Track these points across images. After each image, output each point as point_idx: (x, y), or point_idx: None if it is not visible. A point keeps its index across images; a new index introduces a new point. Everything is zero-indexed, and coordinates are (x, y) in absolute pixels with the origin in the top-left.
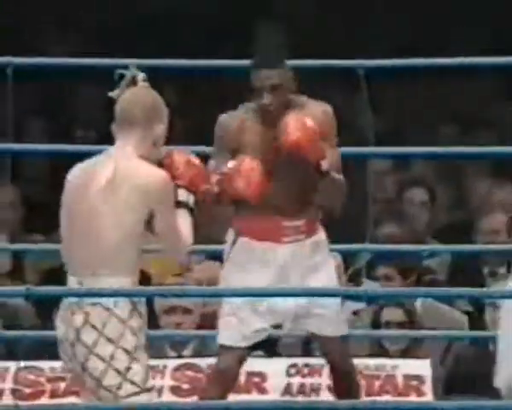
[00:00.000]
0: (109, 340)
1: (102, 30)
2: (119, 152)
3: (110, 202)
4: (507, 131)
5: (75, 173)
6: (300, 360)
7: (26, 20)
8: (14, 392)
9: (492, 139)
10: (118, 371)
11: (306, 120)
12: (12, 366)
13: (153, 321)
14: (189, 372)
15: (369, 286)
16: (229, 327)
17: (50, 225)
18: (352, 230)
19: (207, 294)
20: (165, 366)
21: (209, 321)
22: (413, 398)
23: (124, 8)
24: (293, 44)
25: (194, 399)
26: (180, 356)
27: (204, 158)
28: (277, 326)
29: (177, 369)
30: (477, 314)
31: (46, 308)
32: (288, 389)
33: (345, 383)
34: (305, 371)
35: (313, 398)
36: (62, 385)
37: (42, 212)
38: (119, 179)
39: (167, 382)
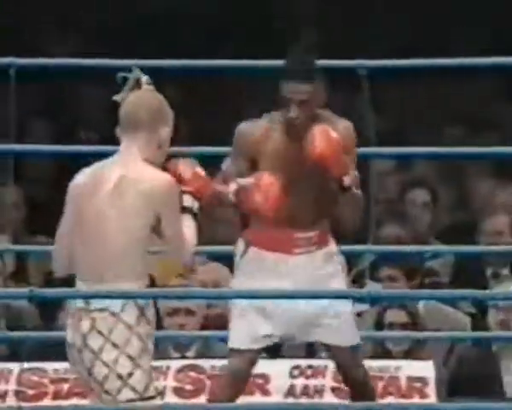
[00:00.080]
0: (115, 345)
1: (102, 30)
2: (125, 156)
3: (117, 206)
4: (510, 131)
5: (82, 178)
6: (304, 362)
7: (25, 20)
8: (17, 393)
9: (495, 140)
10: (119, 376)
11: (333, 133)
12: (15, 367)
13: (156, 322)
14: (192, 374)
15: (372, 288)
16: (239, 330)
17: (53, 226)
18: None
19: (213, 296)
20: (168, 367)
21: (213, 323)
22: (416, 400)
23: (124, 8)
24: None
25: (197, 400)
26: (183, 357)
27: (204, 159)
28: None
29: (180, 370)
30: (480, 316)
31: (49, 310)
32: (291, 391)
33: (359, 393)
34: (309, 372)
35: (316, 400)
36: (65, 387)
37: (45, 213)
38: (125, 184)
39: (170, 383)
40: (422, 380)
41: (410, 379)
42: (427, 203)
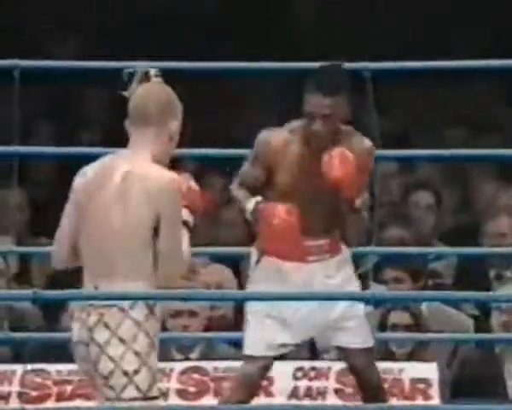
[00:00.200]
0: (121, 341)
1: (102, 30)
2: (134, 152)
3: (121, 202)
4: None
5: (90, 171)
6: (307, 364)
7: (26, 21)
8: (20, 395)
9: (497, 142)
10: (125, 373)
11: (350, 156)
12: (18, 368)
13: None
14: (196, 375)
15: (376, 289)
16: (255, 337)
17: (57, 228)
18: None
19: (216, 297)
20: (171, 369)
21: (216, 324)
22: (420, 401)
23: (124, 8)
24: (293, 44)
25: (200, 402)
26: (187, 359)
27: (204, 159)
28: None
29: (183, 372)
30: (483, 318)
31: (53, 311)
32: (294, 393)
33: (372, 396)
34: (312, 374)
35: (320, 401)
36: (69, 388)
37: (49, 214)
38: (130, 180)
39: (173, 385)
40: (426, 382)
41: (414, 381)
42: (430, 205)
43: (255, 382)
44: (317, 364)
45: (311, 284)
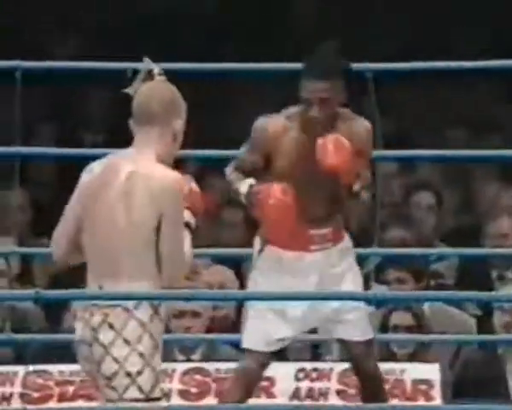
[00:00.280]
0: (126, 342)
1: (102, 30)
2: (138, 152)
3: (125, 201)
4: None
5: (95, 168)
6: (309, 365)
7: (26, 21)
8: (22, 396)
9: (498, 142)
10: (128, 374)
11: (344, 142)
12: (20, 369)
13: None
14: (198, 376)
15: (377, 290)
16: (254, 331)
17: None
18: (360, 234)
19: (219, 297)
20: (173, 370)
21: (218, 325)
22: (421, 402)
23: (124, 8)
24: (293, 44)
25: (202, 403)
26: (189, 360)
27: (205, 161)
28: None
29: (185, 373)
30: (485, 318)
31: (55, 312)
32: (296, 394)
33: (371, 388)
34: (314, 375)
35: (321, 402)
36: (71, 389)
37: (50, 215)
38: (134, 179)
39: (176, 386)
40: (428, 383)
41: (416, 382)
42: (431, 206)
43: (253, 379)
44: (318, 365)
45: (312, 273)
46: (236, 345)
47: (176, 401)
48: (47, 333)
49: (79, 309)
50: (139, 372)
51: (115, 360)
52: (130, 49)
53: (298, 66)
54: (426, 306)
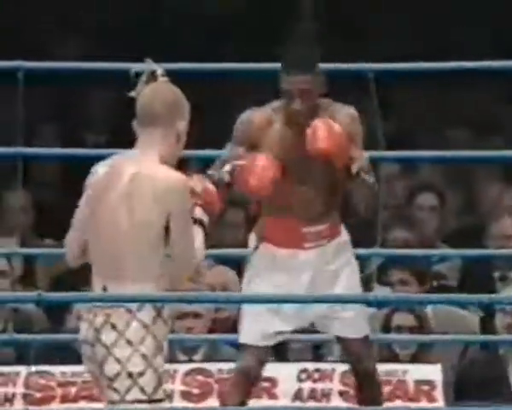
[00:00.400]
0: (129, 342)
1: (102, 30)
2: (142, 153)
3: (129, 203)
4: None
5: (100, 170)
6: (311, 365)
7: (26, 21)
8: (25, 397)
9: (500, 143)
10: (130, 375)
11: (334, 125)
12: (23, 370)
13: None
14: (200, 377)
15: (379, 291)
16: (250, 326)
17: (61, 230)
18: (362, 235)
19: (221, 299)
20: (175, 371)
21: (220, 326)
22: (424, 403)
23: (124, 8)
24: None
25: (204, 404)
26: (191, 361)
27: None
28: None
29: (187, 374)
30: (487, 319)
31: (57, 313)
32: (298, 395)
33: (367, 386)
34: (316, 376)
35: (324, 403)
36: (73, 390)
37: (53, 216)
38: (138, 181)
39: (178, 386)
40: (430, 384)
41: (418, 383)
42: (434, 207)
43: (251, 375)
44: (321, 366)
45: (307, 270)
46: (238, 346)
47: (178, 401)
48: (49, 334)
49: (84, 310)
50: (141, 373)
51: (117, 360)
52: (130, 50)
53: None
54: (429, 307)
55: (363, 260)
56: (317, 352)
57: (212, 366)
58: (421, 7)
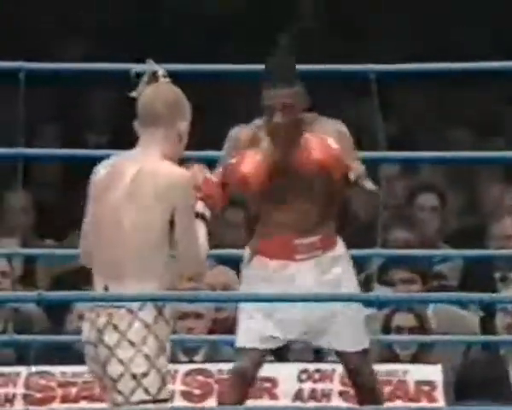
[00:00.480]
0: (131, 343)
1: (102, 30)
2: (144, 152)
3: (133, 201)
4: None
5: (102, 171)
6: (311, 366)
7: (26, 21)
8: (25, 397)
9: (503, 144)
10: (134, 376)
11: (326, 137)
12: (23, 371)
13: None
14: (200, 377)
15: (380, 292)
16: (246, 330)
17: (62, 230)
18: (363, 235)
19: (221, 299)
20: (176, 371)
21: (221, 326)
22: (424, 404)
23: (124, 8)
24: (294, 45)
25: (205, 404)
26: (191, 361)
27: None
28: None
29: (188, 374)
30: (488, 319)
31: (57, 313)
32: (298, 395)
33: (367, 399)
34: (317, 376)
35: (324, 404)
36: (73, 390)
37: (53, 217)
38: (142, 178)
39: (178, 387)
40: (430, 384)
41: (418, 383)
42: (435, 207)
43: (247, 378)
44: (321, 366)
45: (300, 282)
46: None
47: (178, 402)
48: (49, 334)
49: (86, 310)
50: (144, 374)
51: (120, 361)
52: (130, 50)
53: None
54: (429, 307)
55: (363, 261)
56: (318, 352)
57: (212, 367)
58: (421, 7)
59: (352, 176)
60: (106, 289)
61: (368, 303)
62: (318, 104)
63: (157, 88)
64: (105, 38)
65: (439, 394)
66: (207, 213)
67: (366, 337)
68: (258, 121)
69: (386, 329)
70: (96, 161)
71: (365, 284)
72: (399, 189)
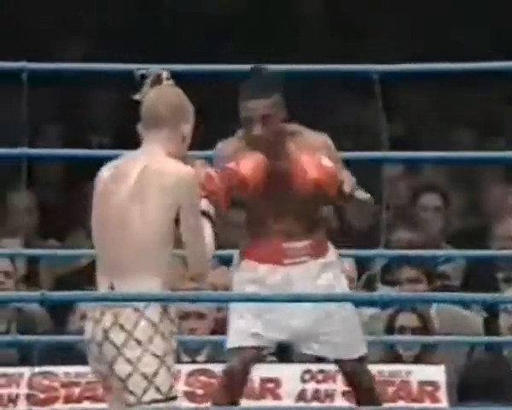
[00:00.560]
0: (138, 342)
1: (102, 30)
2: (148, 151)
3: (139, 200)
4: None
5: (106, 173)
6: (315, 366)
7: (26, 22)
8: (28, 397)
9: (506, 144)
10: (145, 376)
11: (318, 156)
12: (26, 371)
13: None
14: (203, 378)
15: (383, 292)
16: (236, 330)
17: (65, 231)
18: (366, 236)
19: (223, 299)
20: (178, 372)
21: (223, 326)
22: (427, 404)
23: (124, 8)
24: (294, 45)
25: (207, 404)
26: (194, 362)
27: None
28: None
29: (190, 374)
30: (491, 320)
31: (61, 313)
32: (302, 395)
33: (365, 400)
34: (320, 377)
35: (327, 404)
36: (77, 390)
37: (57, 217)
38: (147, 176)
39: (181, 387)
40: (434, 384)
41: (422, 384)
42: (438, 208)
43: (239, 377)
44: (324, 366)
45: (288, 286)
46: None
47: (181, 402)
48: (52, 335)
49: (89, 309)
50: (155, 373)
51: (128, 361)
52: (130, 50)
53: (298, 66)
54: (432, 308)
55: (367, 261)
56: None
57: (215, 367)
58: (421, 7)
59: (347, 189)
60: (111, 288)
61: (371, 303)
62: (318, 104)
63: (161, 90)
64: (105, 38)
65: (443, 394)
66: (212, 211)
67: (362, 343)
68: (239, 132)
69: (390, 329)
70: (98, 161)
71: (368, 285)
72: (402, 189)
